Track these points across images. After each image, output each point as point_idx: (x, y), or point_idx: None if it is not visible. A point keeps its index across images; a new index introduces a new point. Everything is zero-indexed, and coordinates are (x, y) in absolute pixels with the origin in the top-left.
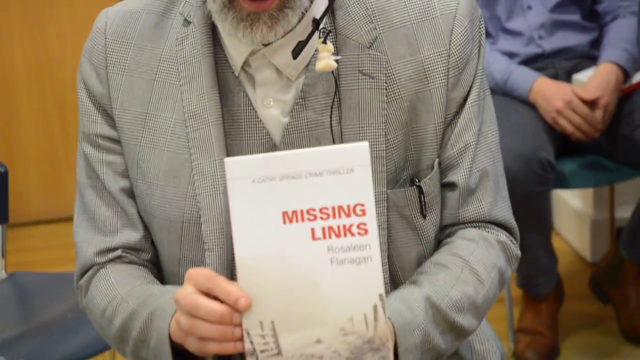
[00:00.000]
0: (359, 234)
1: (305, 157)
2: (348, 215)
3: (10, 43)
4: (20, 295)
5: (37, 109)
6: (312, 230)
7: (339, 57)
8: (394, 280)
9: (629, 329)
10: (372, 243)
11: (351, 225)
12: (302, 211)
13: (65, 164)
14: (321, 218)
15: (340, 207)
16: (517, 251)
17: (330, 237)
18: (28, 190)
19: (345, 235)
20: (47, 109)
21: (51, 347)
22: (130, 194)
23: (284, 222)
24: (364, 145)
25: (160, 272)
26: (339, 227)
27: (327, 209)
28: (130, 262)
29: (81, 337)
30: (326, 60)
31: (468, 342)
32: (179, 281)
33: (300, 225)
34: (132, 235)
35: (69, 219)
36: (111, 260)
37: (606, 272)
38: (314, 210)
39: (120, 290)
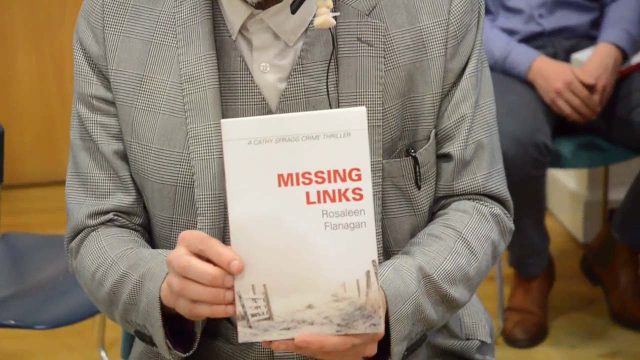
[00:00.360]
0: (354, 199)
1: (302, 120)
2: (344, 179)
3: (9, 4)
4: (12, 256)
5: (34, 70)
6: (307, 194)
7: (337, 14)
8: (387, 251)
9: (618, 310)
10: (366, 209)
11: (346, 190)
12: (297, 174)
13: (62, 127)
14: (316, 182)
15: (335, 171)
16: (510, 224)
17: (325, 201)
18: (23, 152)
19: (340, 200)
20: (44, 71)
21: (42, 309)
22: (124, 157)
23: (279, 185)
24: (362, 109)
25: (151, 236)
26: (334, 191)
27: (322, 172)
28: (122, 226)
29: (72, 300)
30: (325, 16)
31: (457, 316)
32: (170, 245)
33: (295, 188)
34: (125, 199)
35: (63, 182)
36: (102, 223)
37: (597, 253)
38: (309, 173)
39: (111, 253)
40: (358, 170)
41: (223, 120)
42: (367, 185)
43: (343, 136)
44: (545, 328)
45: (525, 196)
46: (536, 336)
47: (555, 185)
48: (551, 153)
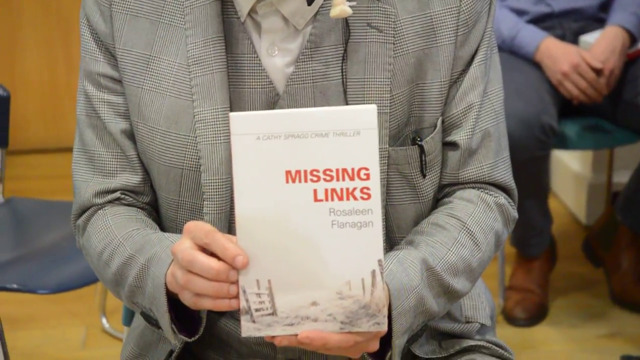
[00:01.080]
0: (362, 198)
1: (312, 117)
2: (352, 178)
3: None
4: (16, 221)
5: (42, 36)
6: (315, 191)
7: (354, 3)
8: (390, 237)
9: (618, 293)
10: (374, 208)
11: (354, 189)
12: (305, 171)
13: (67, 94)
14: (324, 180)
15: (344, 170)
16: (514, 213)
17: (332, 199)
18: (28, 118)
19: (347, 198)
20: (52, 37)
21: (44, 273)
22: (131, 136)
23: (287, 182)
24: (372, 107)
25: (159, 215)
26: (342, 190)
27: (330, 170)
28: (129, 205)
29: (75, 266)
30: (341, 6)
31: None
32: (176, 226)
33: (303, 185)
34: (132, 178)
35: (67, 149)
36: (110, 202)
37: (600, 235)
38: (317, 171)
39: (118, 234)
40: (367, 169)
41: (232, 114)
42: (375, 184)
43: (352, 135)
44: (545, 308)
45: (530, 177)
46: (536, 316)
47: (560, 166)
48: (556, 134)
